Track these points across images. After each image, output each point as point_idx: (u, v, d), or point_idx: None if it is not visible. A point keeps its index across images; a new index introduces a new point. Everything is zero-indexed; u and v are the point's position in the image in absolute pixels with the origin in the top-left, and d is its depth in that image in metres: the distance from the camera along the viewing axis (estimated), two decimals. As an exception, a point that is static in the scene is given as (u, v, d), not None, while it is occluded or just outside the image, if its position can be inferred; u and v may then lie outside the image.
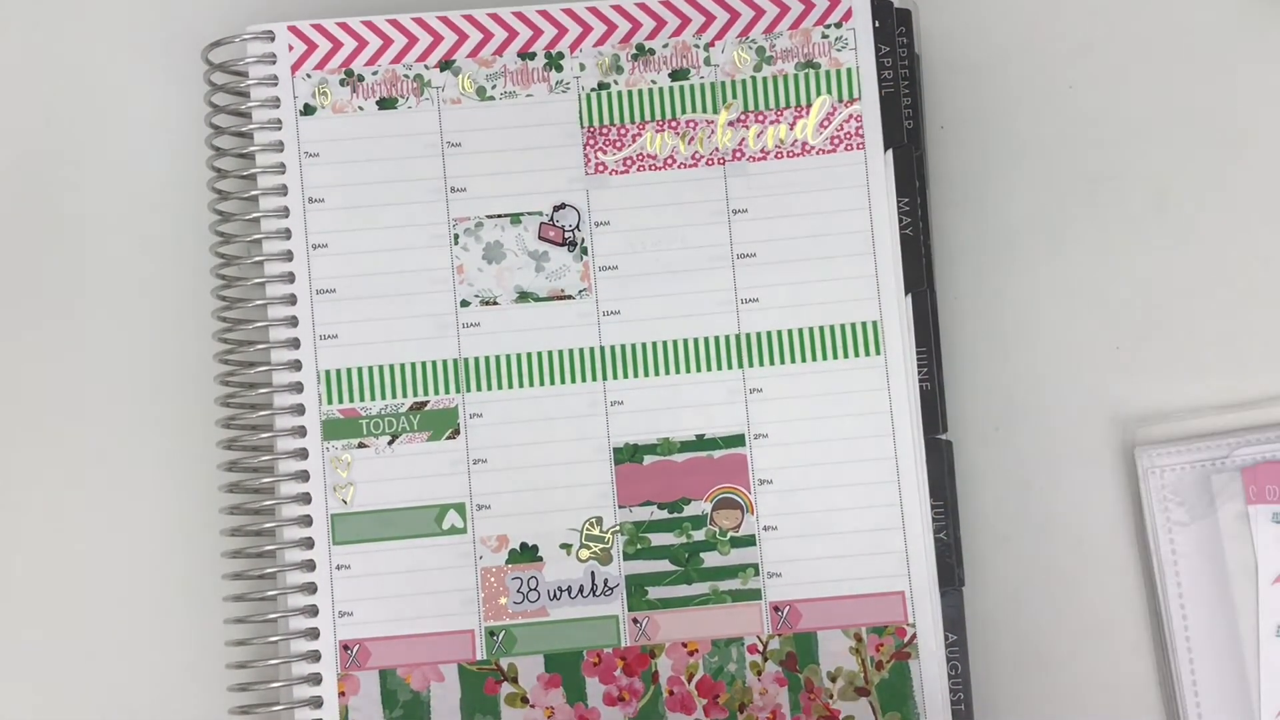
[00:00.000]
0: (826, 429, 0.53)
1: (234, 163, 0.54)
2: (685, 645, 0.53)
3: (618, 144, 0.54)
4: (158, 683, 0.54)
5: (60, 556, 0.55)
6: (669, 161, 0.54)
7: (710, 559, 0.53)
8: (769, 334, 0.53)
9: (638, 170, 0.54)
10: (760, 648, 0.53)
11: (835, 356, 0.54)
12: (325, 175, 0.54)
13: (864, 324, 0.54)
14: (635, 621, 0.53)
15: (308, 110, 0.54)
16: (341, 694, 0.52)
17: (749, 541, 0.53)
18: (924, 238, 0.54)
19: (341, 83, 0.54)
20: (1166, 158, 0.56)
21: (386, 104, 0.54)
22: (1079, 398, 0.55)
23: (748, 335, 0.53)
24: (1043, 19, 0.57)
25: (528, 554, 0.53)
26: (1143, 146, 0.56)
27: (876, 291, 0.54)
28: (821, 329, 0.54)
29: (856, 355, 0.54)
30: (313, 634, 0.52)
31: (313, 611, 0.52)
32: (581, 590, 0.53)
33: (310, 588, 0.52)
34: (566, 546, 0.53)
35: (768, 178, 0.54)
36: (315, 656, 0.52)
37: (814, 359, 0.54)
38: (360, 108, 0.54)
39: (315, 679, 0.52)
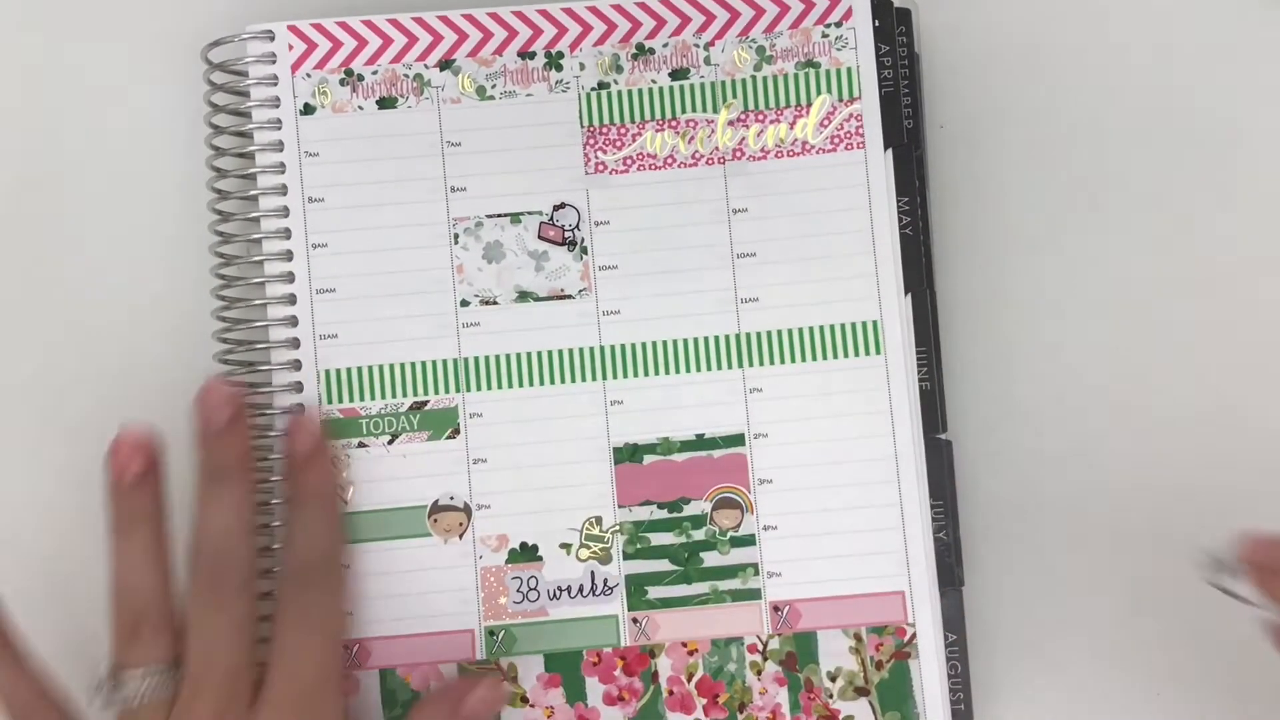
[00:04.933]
0: (826, 429, 0.53)
1: (234, 162, 0.54)
2: (685, 645, 0.53)
3: (618, 143, 0.54)
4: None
5: (59, 557, 0.55)
6: (669, 161, 0.54)
7: (710, 558, 0.53)
8: (769, 334, 0.53)
9: (638, 170, 0.54)
10: (760, 647, 0.53)
11: (835, 356, 0.54)
12: (325, 175, 0.54)
13: (864, 324, 0.54)
14: (635, 621, 0.53)
15: (308, 110, 0.54)
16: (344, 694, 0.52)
17: (749, 541, 0.53)
18: (924, 237, 0.54)
19: (341, 82, 0.54)
20: (1166, 158, 0.56)
21: (386, 103, 0.54)
22: (1079, 398, 0.55)
23: (748, 335, 0.53)
24: (1043, 19, 0.57)
25: (527, 553, 0.53)
26: (1142, 146, 0.56)
27: (876, 291, 0.54)
28: (821, 329, 0.54)
29: (856, 355, 0.54)
30: (313, 633, 0.52)
31: (313, 611, 0.52)
32: (581, 590, 0.53)
33: (310, 587, 0.52)
34: (566, 546, 0.53)
35: (768, 177, 0.54)
36: (315, 656, 0.52)
37: (814, 359, 0.54)
38: (360, 107, 0.54)
39: (315, 678, 0.52)
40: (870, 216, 0.54)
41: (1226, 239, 0.56)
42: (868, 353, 0.54)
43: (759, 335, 0.53)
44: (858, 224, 0.54)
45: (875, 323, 0.54)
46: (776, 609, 0.53)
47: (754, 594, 0.53)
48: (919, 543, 0.53)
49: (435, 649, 0.52)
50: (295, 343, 0.53)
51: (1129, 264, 0.56)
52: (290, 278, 0.53)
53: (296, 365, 0.53)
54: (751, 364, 0.53)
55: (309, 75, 0.54)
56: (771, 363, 0.53)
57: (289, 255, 0.53)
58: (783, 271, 0.54)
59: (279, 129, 0.54)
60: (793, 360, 0.54)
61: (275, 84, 0.54)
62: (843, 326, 0.54)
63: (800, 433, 0.53)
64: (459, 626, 0.53)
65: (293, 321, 0.53)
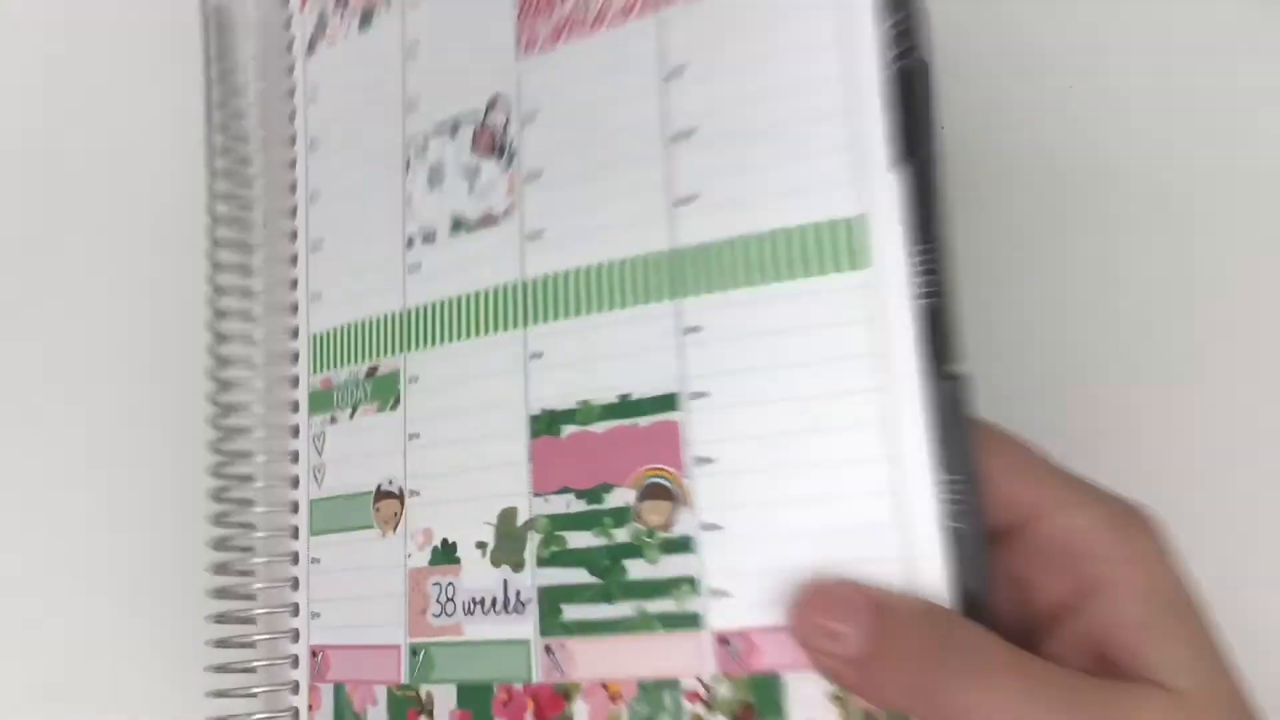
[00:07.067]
0: (789, 383, 0.35)
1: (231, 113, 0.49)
2: (605, 687, 0.38)
3: (547, 10, 0.41)
4: (139, 681, 0.51)
5: (53, 550, 0.53)
6: (598, 20, 0.39)
7: (635, 569, 0.37)
8: (709, 246, 0.37)
9: (566, 40, 0.40)
10: (704, 694, 0.36)
11: (800, 274, 0.35)
12: (324, 114, 0.47)
13: (839, 223, 0.35)
14: (548, 650, 0.39)
15: (310, 48, 0.47)
16: (310, 707, 0.45)
17: (684, 545, 0.37)
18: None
19: (334, 8, 0.47)
20: (1166, 158, 0.47)
21: (365, 21, 0.46)
22: (1080, 399, 0.45)
23: (681, 251, 0.37)
24: (1042, 19, 0.48)
25: (447, 553, 0.41)
26: (1143, 146, 0.47)
27: (855, 171, 0.35)
28: (777, 235, 0.36)
29: (828, 271, 0.35)
30: (294, 635, 0.46)
31: (296, 610, 0.46)
32: (494, 604, 0.40)
33: (295, 583, 0.46)
34: (482, 546, 0.40)
35: (708, 22, 0.37)
36: (296, 661, 0.45)
37: (770, 278, 0.36)
38: (346, 33, 0.46)
39: (295, 687, 0.45)
40: (840, 59, 0.35)
41: (1228, 240, 0.46)
42: (847, 266, 0.35)
43: (696, 250, 0.37)
44: (825, 69, 0.35)
45: (856, 220, 0.35)
46: (724, 641, 0.36)
47: (692, 620, 0.36)
48: (925, 541, 0.33)
49: (370, 665, 0.43)
50: (294, 308, 0.47)
51: (1131, 266, 0.46)
52: (292, 236, 0.47)
53: (295, 333, 0.47)
54: (687, 293, 0.37)
55: (307, 10, 0.48)
56: (711, 290, 0.37)
57: (292, 212, 0.47)
58: (727, 154, 0.37)
59: (290, 75, 0.48)
60: (741, 284, 0.36)
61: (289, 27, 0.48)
62: (808, 229, 0.35)
63: (751, 389, 0.36)
64: (388, 640, 0.43)
65: (292, 284, 0.47)
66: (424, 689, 0.41)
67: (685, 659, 0.36)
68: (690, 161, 0.37)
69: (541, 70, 0.41)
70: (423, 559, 0.42)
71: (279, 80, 0.49)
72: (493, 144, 0.41)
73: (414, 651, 0.42)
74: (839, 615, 0.33)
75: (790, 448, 0.35)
